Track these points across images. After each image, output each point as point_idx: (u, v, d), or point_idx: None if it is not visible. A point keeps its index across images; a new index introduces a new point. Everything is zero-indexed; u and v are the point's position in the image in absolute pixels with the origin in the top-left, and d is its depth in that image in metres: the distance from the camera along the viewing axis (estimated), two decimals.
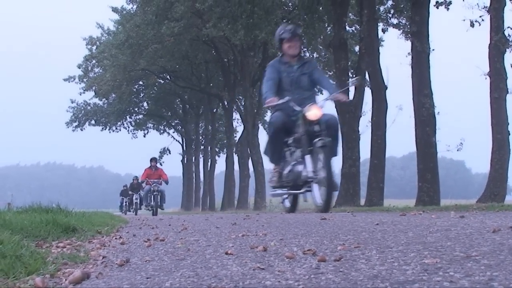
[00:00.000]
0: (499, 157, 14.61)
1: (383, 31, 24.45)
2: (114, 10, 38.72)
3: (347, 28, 22.52)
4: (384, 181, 18.04)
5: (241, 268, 2.28)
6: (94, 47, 40.71)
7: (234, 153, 35.55)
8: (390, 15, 24.33)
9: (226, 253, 2.84)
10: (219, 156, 46.05)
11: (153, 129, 50.98)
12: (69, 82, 41.89)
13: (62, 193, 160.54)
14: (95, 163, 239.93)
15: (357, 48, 24.57)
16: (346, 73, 20.05)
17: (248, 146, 31.67)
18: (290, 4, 28.97)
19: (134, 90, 43.81)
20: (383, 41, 28.65)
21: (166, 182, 22.57)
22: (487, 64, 15.06)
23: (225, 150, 41.54)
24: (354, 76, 22.74)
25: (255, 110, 32.51)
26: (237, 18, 23.19)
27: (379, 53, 18.32)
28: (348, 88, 10.41)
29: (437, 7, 18.14)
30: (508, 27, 15.21)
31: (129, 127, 48.43)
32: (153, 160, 22.98)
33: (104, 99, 43.25)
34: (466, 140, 19.10)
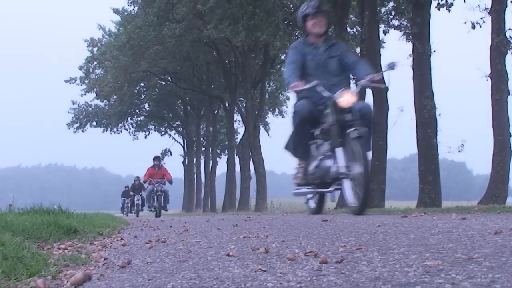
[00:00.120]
0: (500, 158, 14.59)
1: (384, 32, 24.44)
2: (116, 11, 38.77)
3: (348, 29, 22.52)
4: (385, 183, 18.03)
5: (243, 270, 2.28)
6: (96, 49, 40.75)
7: (235, 155, 35.56)
8: (391, 17, 24.31)
9: (228, 255, 2.84)
10: (220, 158, 46.09)
11: (154, 130, 51.02)
12: (70, 83, 41.96)
13: (63, 195, 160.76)
14: (96, 165, 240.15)
15: (358, 50, 24.54)
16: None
17: (249, 147, 31.67)
18: (291, 5, 28.95)
19: (135, 91, 43.85)
20: (384, 42, 28.62)
21: (170, 182, 21.48)
22: (488, 66, 15.05)
23: (226, 151, 41.57)
24: (354, 78, 22.73)
25: (256, 112, 32.51)
26: (238, 19, 23.21)
27: (380, 54, 18.32)
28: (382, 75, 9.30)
29: (439, 9, 18.14)
30: (510, 28, 15.19)
31: (130, 129, 48.51)
32: (156, 159, 21.90)
33: (105, 100, 43.30)
34: (467, 142, 19.07)
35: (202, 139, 47.43)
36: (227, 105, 36.71)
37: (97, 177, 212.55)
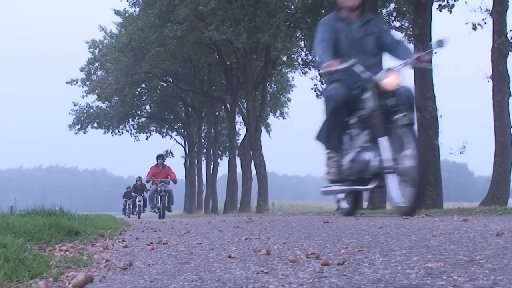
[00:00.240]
0: (501, 160, 14.59)
1: None
2: (117, 13, 38.80)
3: None
4: None
5: (245, 272, 2.28)
6: (97, 50, 40.79)
7: (236, 156, 35.57)
8: (393, 18, 24.36)
9: (229, 257, 2.84)
10: (221, 159, 46.10)
11: (156, 132, 51.04)
12: (71, 85, 42.02)
13: (65, 196, 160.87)
14: (97, 166, 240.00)
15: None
16: None
17: (250, 149, 31.67)
18: (292, 7, 28.97)
19: (137, 93, 43.87)
20: None
21: (175, 182, 20.42)
22: (489, 67, 15.06)
23: (227, 153, 41.55)
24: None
25: (258, 113, 32.51)
26: (239, 21, 23.22)
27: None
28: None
29: (440, 10, 18.15)
30: (511, 30, 15.21)
31: (131, 130, 48.54)
32: (159, 157, 20.68)
33: (107, 102, 43.34)
34: (468, 143, 19.09)
35: (203, 140, 47.44)
36: (228, 106, 36.71)
37: (98, 178, 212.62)
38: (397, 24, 24.65)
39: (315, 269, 2.21)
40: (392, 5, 23.78)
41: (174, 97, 45.63)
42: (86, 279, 2.32)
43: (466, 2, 17.28)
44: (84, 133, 45.32)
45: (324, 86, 7.41)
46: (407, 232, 3.58)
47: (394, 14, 23.91)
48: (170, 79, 42.50)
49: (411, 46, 7.08)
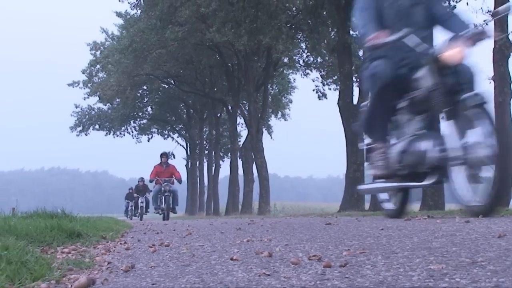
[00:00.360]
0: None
1: None
2: (118, 15, 38.83)
3: (351, 32, 22.51)
4: None
5: (247, 274, 2.28)
6: (98, 52, 40.82)
7: (238, 158, 35.55)
8: None
9: (231, 259, 2.84)
10: (223, 161, 46.06)
11: (157, 133, 51.04)
12: (73, 87, 42.02)
13: (67, 198, 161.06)
14: (99, 168, 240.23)
15: (361, 53, 24.56)
16: (350, 77, 20.10)
17: (252, 150, 31.64)
18: (294, 8, 28.97)
19: (138, 95, 43.88)
20: None
21: (179, 181, 19.48)
22: (491, 68, 15.04)
23: (229, 154, 41.53)
24: (358, 80, 22.74)
25: (259, 115, 32.49)
26: (240, 22, 23.22)
27: None
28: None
29: None
30: None
31: (133, 132, 48.53)
32: (163, 155, 19.59)
33: (108, 103, 43.37)
34: None
35: (205, 142, 47.47)
36: (230, 108, 36.71)
37: (100, 180, 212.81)
38: None
39: (317, 271, 2.21)
40: None
41: (176, 99, 45.65)
42: (88, 282, 2.32)
43: (467, 3, 17.27)
44: (86, 135, 45.37)
45: (366, 64, 5.93)
46: (409, 234, 3.58)
47: None
48: (172, 81, 42.52)
49: (467, 17, 5.93)
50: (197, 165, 47.42)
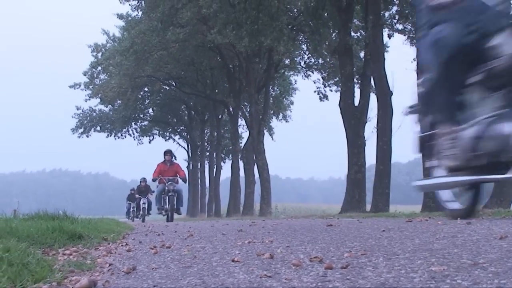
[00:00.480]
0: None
1: (389, 36, 24.49)
2: (120, 16, 38.85)
3: (352, 34, 22.53)
4: (390, 187, 18.03)
5: (248, 276, 2.28)
6: (100, 54, 40.83)
7: (239, 159, 35.54)
8: (395, 21, 24.34)
9: (233, 261, 2.84)
10: (224, 162, 46.06)
11: (159, 135, 51.08)
12: (74, 89, 42.06)
13: (68, 200, 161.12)
14: (100, 170, 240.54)
15: (362, 54, 24.59)
16: (351, 79, 20.11)
17: (253, 152, 31.64)
18: (295, 10, 28.98)
19: (140, 96, 43.92)
20: (388, 46, 28.62)
21: (184, 180, 18.44)
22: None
23: (230, 156, 41.53)
24: (359, 81, 22.75)
25: (261, 116, 32.50)
26: (242, 24, 23.23)
27: (384, 58, 18.35)
28: None
29: None
30: None
31: (134, 134, 48.57)
32: (167, 153, 18.18)
33: (110, 105, 43.40)
34: None
35: (206, 143, 47.49)
36: (231, 109, 36.72)
37: (101, 182, 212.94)
38: (400, 27, 24.63)
39: (319, 273, 2.21)
40: (395, 8, 23.77)
41: (177, 101, 45.69)
42: (90, 283, 2.32)
43: None
44: (87, 136, 45.38)
45: (425, 31, 4.85)
46: (410, 235, 3.58)
47: (397, 17, 23.89)
48: (173, 83, 42.56)
49: None
50: (199, 166, 47.46)
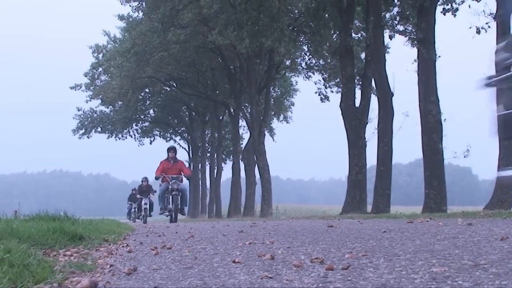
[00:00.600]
0: (505, 163, 14.55)
1: (390, 37, 24.46)
2: (121, 17, 38.84)
3: (353, 35, 22.51)
4: (391, 188, 18.01)
5: (249, 277, 2.27)
6: (101, 55, 40.82)
7: (240, 160, 35.51)
8: (396, 22, 24.31)
9: (234, 262, 2.83)
10: (225, 163, 46.03)
11: (160, 136, 51.04)
12: (75, 90, 42.08)
13: (69, 201, 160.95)
14: (101, 171, 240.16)
15: (363, 55, 24.55)
16: (352, 80, 20.10)
17: (254, 153, 31.62)
18: (296, 11, 28.97)
19: (141, 97, 43.90)
20: (389, 48, 28.60)
21: (189, 179, 17.84)
22: (493, 71, 15.03)
23: (231, 157, 41.51)
24: (360, 82, 22.75)
25: (261, 117, 32.48)
26: (242, 25, 23.22)
27: (385, 59, 18.33)
28: None
29: (444, 14, 18.17)
30: None
31: (135, 135, 48.55)
32: (171, 149, 16.98)
33: (111, 106, 43.39)
34: (472, 147, 19.00)
35: (207, 144, 47.45)
36: (232, 110, 36.70)
37: (102, 183, 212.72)
38: (400, 28, 24.60)
39: (320, 274, 2.21)
40: (396, 9, 23.75)
41: (178, 102, 45.68)
42: (91, 284, 2.32)
43: (469, 6, 17.26)
44: (88, 137, 45.35)
45: None
46: (411, 236, 3.57)
47: (398, 18, 23.86)
48: (174, 84, 42.52)
49: None
50: (199, 167, 47.43)
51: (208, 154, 46.85)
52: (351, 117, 19.14)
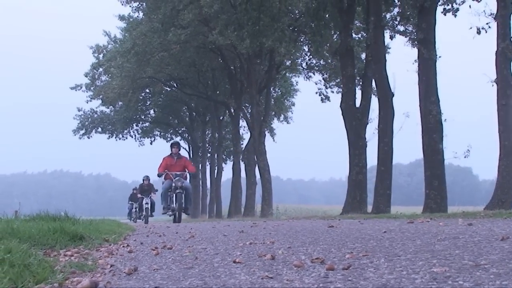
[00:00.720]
0: (506, 163, 14.56)
1: (391, 37, 24.46)
2: (121, 18, 38.85)
3: (354, 35, 22.50)
4: (391, 188, 18.01)
5: (250, 277, 2.27)
6: (101, 55, 40.83)
7: (240, 161, 35.51)
8: (397, 22, 24.31)
9: (234, 262, 2.83)
10: (225, 164, 46.06)
11: (160, 136, 51.05)
12: (76, 90, 42.12)
13: (69, 201, 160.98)
14: (102, 171, 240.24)
15: (363, 55, 24.54)
16: (353, 80, 20.10)
17: (254, 153, 31.62)
18: (296, 11, 28.98)
19: (141, 97, 43.93)
20: (389, 48, 28.63)
21: (194, 176, 16.04)
22: (494, 71, 15.04)
23: (231, 157, 41.52)
24: (361, 83, 22.74)
25: (262, 118, 32.48)
26: (243, 25, 23.22)
27: (385, 60, 18.33)
28: None
29: (445, 14, 18.18)
30: None
31: (135, 135, 48.57)
32: (175, 145, 16.14)
33: (111, 106, 43.41)
34: (473, 147, 19.00)
35: (207, 145, 47.46)
36: (232, 111, 36.71)
37: (102, 183, 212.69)
38: (401, 28, 24.60)
39: (320, 274, 2.21)
40: (396, 10, 23.74)
41: (178, 102, 45.69)
42: (91, 284, 2.32)
43: (470, 6, 17.26)
44: (89, 138, 45.39)
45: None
46: (412, 236, 3.57)
47: (398, 19, 23.85)
48: (174, 84, 42.54)
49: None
50: (200, 167, 47.44)
51: (209, 154, 46.86)
52: (352, 117, 19.13)
